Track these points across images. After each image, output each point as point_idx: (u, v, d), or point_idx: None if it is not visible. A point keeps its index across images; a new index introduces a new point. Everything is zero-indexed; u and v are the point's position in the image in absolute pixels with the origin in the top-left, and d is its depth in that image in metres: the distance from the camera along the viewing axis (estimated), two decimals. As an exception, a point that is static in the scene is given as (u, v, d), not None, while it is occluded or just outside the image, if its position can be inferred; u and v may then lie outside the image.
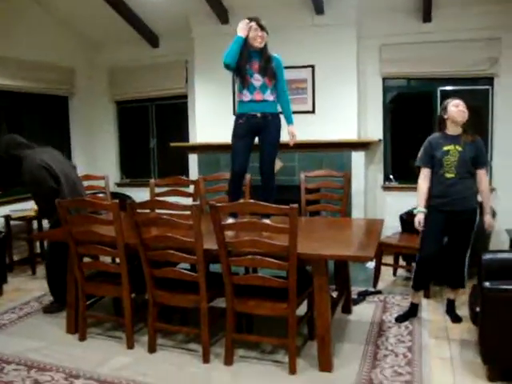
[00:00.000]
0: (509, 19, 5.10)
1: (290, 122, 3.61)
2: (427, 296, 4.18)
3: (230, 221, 3.36)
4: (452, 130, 3.56)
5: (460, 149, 3.50)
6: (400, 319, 3.76)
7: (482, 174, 3.57)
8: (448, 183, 3.53)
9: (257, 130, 3.60)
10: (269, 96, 3.56)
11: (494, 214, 3.75)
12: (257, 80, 3.52)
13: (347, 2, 5.31)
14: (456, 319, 3.72)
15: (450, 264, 3.69)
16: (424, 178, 3.65)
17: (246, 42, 3.52)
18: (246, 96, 3.57)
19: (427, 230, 3.63)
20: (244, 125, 3.62)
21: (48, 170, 3.96)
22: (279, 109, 3.68)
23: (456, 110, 3.52)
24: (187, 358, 3.26)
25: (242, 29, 3.48)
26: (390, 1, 5.26)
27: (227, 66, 3.54)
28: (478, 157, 3.52)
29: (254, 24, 3.49)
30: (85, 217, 3.59)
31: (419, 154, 3.70)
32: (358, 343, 3.39)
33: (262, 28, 3.48)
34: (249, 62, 3.53)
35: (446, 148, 3.53)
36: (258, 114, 3.55)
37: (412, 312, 3.81)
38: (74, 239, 3.43)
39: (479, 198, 3.62)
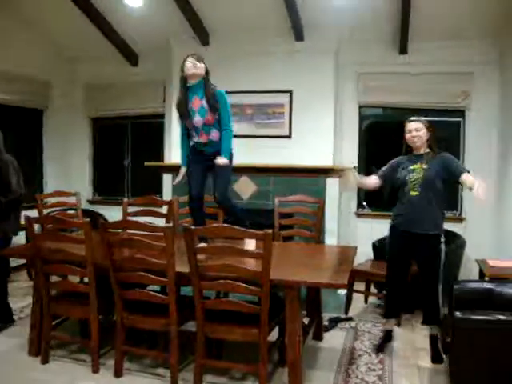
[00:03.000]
0: (481, 55, 5.28)
1: (222, 154, 3.44)
2: (398, 324, 4.18)
3: (202, 245, 3.32)
4: (415, 151, 3.52)
5: (425, 166, 3.40)
6: (378, 349, 3.67)
7: (465, 176, 3.26)
8: (410, 201, 3.43)
9: (209, 160, 3.53)
10: (214, 134, 3.50)
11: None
12: (197, 121, 3.46)
13: (327, 31, 5.41)
14: (437, 359, 3.48)
15: (423, 298, 3.54)
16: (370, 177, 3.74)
17: (183, 79, 3.49)
18: (194, 137, 3.56)
19: (390, 254, 3.62)
20: (194, 157, 3.63)
21: None
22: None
23: (408, 136, 3.50)
24: (155, 383, 3.17)
25: None
26: (369, 31, 5.38)
27: None
28: (452, 168, 3.35)
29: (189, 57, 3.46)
30: (54, 234, 3.49)
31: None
32: (329, 371, 3.35)
33: (196, 58, 3.43)
34: (190, 101, 3.47)
35: (411, 167, 3.46)
36: (206, 153, 3.56)
37: (387, 338, 3.77)
38: (41, 257, 3.33)
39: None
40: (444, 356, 3.33)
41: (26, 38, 6.06)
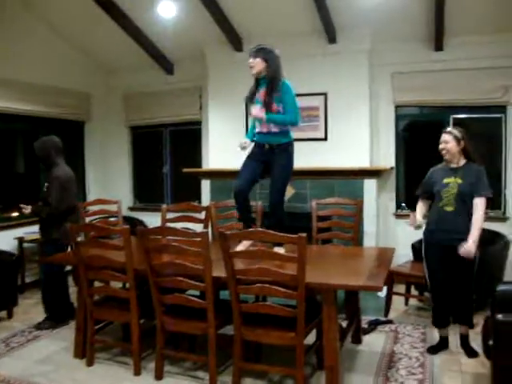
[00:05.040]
0: (521, 48, 5.11)
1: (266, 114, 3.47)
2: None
3: (244, 243, 3.36)
4: (451, 163, 3.52)
5: (460, 181, 3.43)
6: (431, 351, 3.68)
7: (476, 201, 3.38)
8: (446, 216, 3.47)
9: (267, 160, 3.60)
10: (274, 127, 3.52)
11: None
12: (261, 111, 3.49)
13: (359, 32, 5.37)
14: (471, 354, 3.57)
15: (456, 302, 3.55)
16: (419, 205, 3.74)
17: None
18: (257, 127, 3.63)
19: (429, 265, 3.64)
20: (256, 150, 3.67)
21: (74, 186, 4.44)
22: (292, 136, 3.65)
23: (439, 147, 3.53)
24: (194, 386, 3.23)
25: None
26: (403, 30, 5.30)
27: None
28: (475, 185, 3.40)
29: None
30: (95, 241, 3.61)
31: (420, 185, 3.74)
32: (368, 374, 3.33)
33: (250, 55, 3.52)
34: (257, 92, 3.57)
35: (445, 181, 3.49)
36: (266, 146, 3.57)
37: (442, 345, 3.72)
38: (84, 264, 3.45)
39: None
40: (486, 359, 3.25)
41: (66, 52, 6.31)
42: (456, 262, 3.44)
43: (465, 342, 3.65)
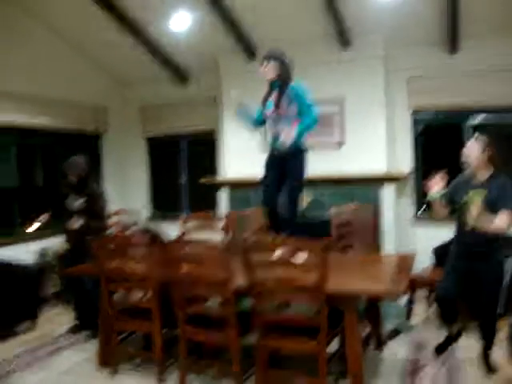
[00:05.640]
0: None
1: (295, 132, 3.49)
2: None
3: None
4: (476, 173, 3.30)
5: (486, 192, 3.16)
6: (438, 350, 3.63)
7: (501, 213, 3.09)
8: (470, 230, 3.21)
9: (281, 165, 3.62)
10: (288, 127, 3.52)
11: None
12: (272, 112, 3.58)
13: (374, 36, 5.37)
14: (490, 369, 3.36)
15: (480, 315, 3.41)
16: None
17: None
18: (269, 129, 3.67)
19: (446, 270, 3.53)
20: (270, 158, 3.71)
21: None
22: (305, 144, 3.66)
23: (462, 158, 3.33)
24: (218, 395, 3.23)
25: None
26: (417, 34, 5.29)
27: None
28: (499, 198, 3.13)
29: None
30: (115, 253, 3.63)
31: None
32: (392, 382, 3.29)
33: (263, 60, 3.58)
34: (270, 95, 3.63)
35: (471, 193, 3.21)
36: (276, 152, 3.60)
37: (448, 342, 3.64)
38: (105, 275, 3.48)
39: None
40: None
41: (82, 66, 6.43)
42: (480, 282, 3.28)
43: (485, 358, 3.42)
